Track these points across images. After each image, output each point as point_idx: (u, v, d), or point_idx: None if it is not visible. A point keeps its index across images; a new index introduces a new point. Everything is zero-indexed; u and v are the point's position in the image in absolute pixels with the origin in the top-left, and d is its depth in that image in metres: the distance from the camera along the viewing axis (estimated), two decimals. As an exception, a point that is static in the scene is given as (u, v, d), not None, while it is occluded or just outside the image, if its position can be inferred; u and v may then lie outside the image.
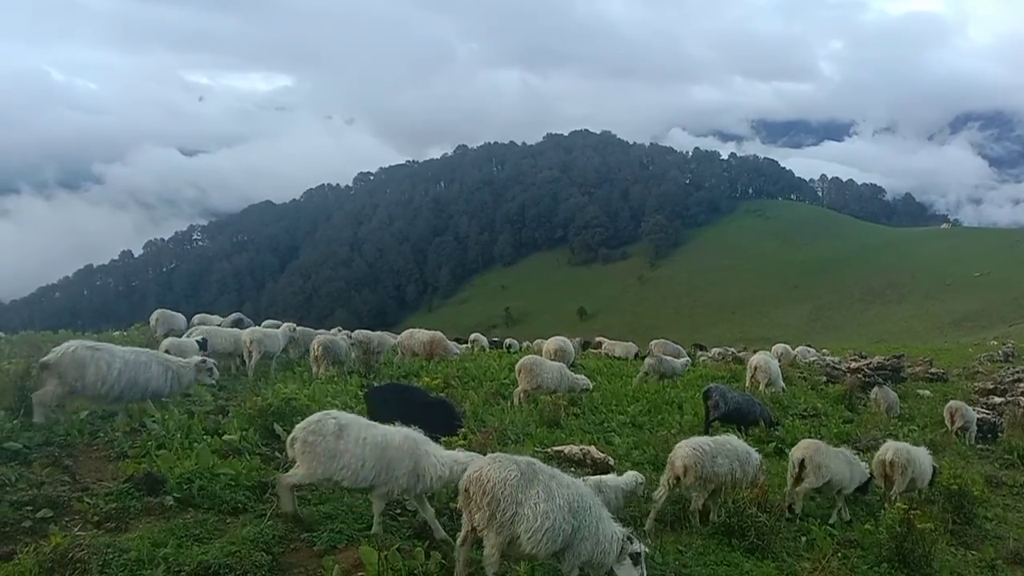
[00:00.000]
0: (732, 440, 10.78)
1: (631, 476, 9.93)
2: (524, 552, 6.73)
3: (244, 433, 10.63)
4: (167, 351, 14.44)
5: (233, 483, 8.71)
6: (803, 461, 11.59)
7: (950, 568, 10.29)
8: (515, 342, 34.30)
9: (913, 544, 9.79)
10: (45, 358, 10.48)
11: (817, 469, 11.48)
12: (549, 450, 12.31)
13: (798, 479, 11.59)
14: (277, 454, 10.38)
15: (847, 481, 11.94)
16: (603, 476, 9.94)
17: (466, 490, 6.81)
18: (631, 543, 7.09)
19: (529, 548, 6.63)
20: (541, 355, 20.64)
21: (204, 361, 12.40)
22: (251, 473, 9.17)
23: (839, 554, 9.76)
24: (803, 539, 10.33)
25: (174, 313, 23.46)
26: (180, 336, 18.32)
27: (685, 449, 10.05)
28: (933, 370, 31.79)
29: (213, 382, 12.81)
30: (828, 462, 11.59)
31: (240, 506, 8.35)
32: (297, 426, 7.93)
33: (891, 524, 10.26)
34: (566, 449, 12.33)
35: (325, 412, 8.14)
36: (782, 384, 22.07)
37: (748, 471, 10.48)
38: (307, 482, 7.85)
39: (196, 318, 25.48)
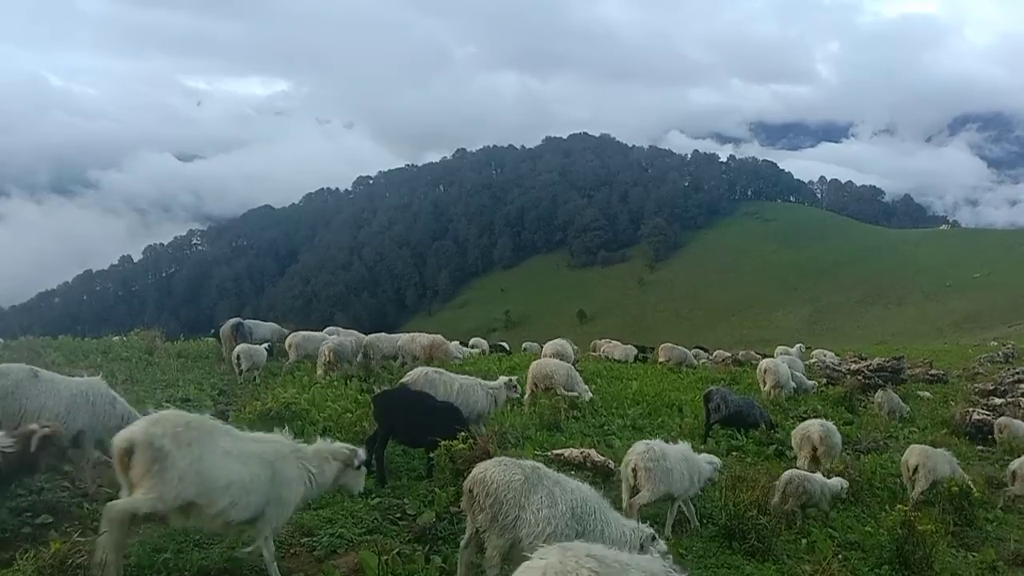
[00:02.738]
0: (687, 450, 10.46)
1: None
2: (526, 556, 6.61)
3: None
4: (239, 356, 17.37)
5: (233, 488, 8.69)
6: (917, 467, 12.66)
7: (951, 570, 10.27)
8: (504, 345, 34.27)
9: (914, 546, 9.78)
10: (404, 379, 12.13)
11: (929, 473, 12.60)
12: (549, 453, 12.29)
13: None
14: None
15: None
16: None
17: (470, 491, 6.74)
18: (654, 542, 6.96)
19: (531, 552, 6.40)
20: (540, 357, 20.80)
21: (510, 380, 13.21)
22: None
23: (840, 556, 9.74)
24: (804, 542, 10.31)
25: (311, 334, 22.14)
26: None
27: (640, 446, 9.96)
28: (933, 371, 31.77)
29: (517, 395, 13.99)
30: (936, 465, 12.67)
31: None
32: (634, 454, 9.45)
33: (892, 526, 10.25)
34: (566, 452, 12.31)
35: (648, 442, 9.72)
36: (793, 385, 22.62)
37: (696, 481, 10.16)
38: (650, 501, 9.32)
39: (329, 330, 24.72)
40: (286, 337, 20.52)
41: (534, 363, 17.57)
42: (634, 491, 9.51)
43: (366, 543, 7.55)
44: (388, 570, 6.78)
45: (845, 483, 9.50)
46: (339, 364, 18.25)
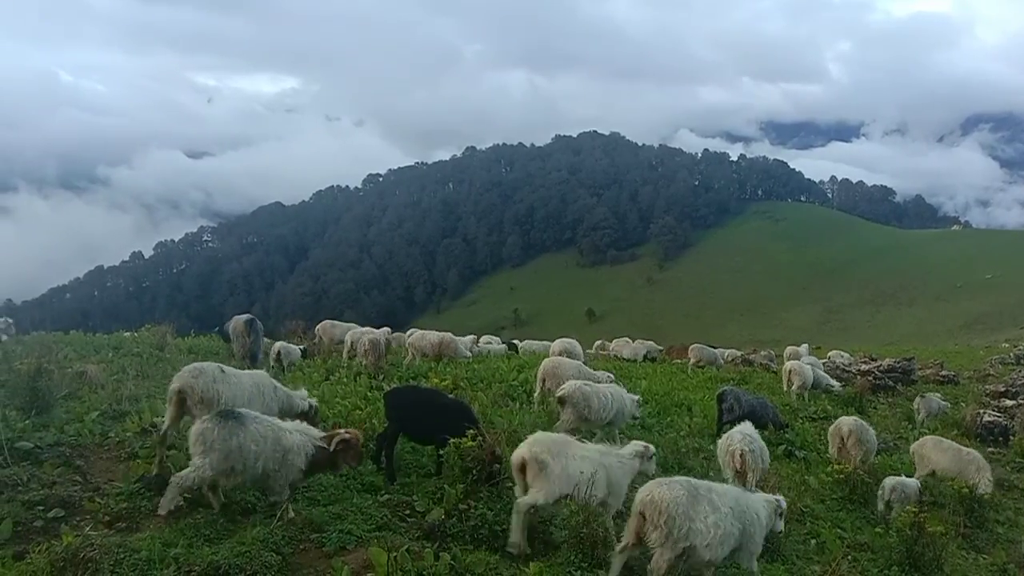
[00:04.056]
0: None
1: None
2: (703, 560, 7.49)
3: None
4: (279, 352, 18.66)
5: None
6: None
7: (961, 572, 10.24)
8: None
9: (923, 548, 9.75)
10: (560, 392, 12.81)
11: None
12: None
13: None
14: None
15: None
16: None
17: (641, 514, 7.52)
18: (780, 504, 8.56)
19: (708, 556, 7.45)
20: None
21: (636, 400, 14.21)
22: (261, 473, 9.19)
23: (849, 557, 9.72)
24: (813, 542, 10.29)
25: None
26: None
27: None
28: (944, 373, 31.60)
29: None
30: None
31: (250, 506, 8.39)
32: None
33: (901, 528, 10.22)
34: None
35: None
36: (824, 383, 23.34)
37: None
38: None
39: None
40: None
41: (545, 360, 17.46)
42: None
43: (375, 540, 7.55)
44: (397, 567, 6.79)
45: (782, 501, 8.78)
46: (373, 356, 18.62)
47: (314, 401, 10.64)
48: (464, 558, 7.42)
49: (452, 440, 9.60)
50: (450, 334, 22.77)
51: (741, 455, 10.99)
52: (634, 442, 9.65)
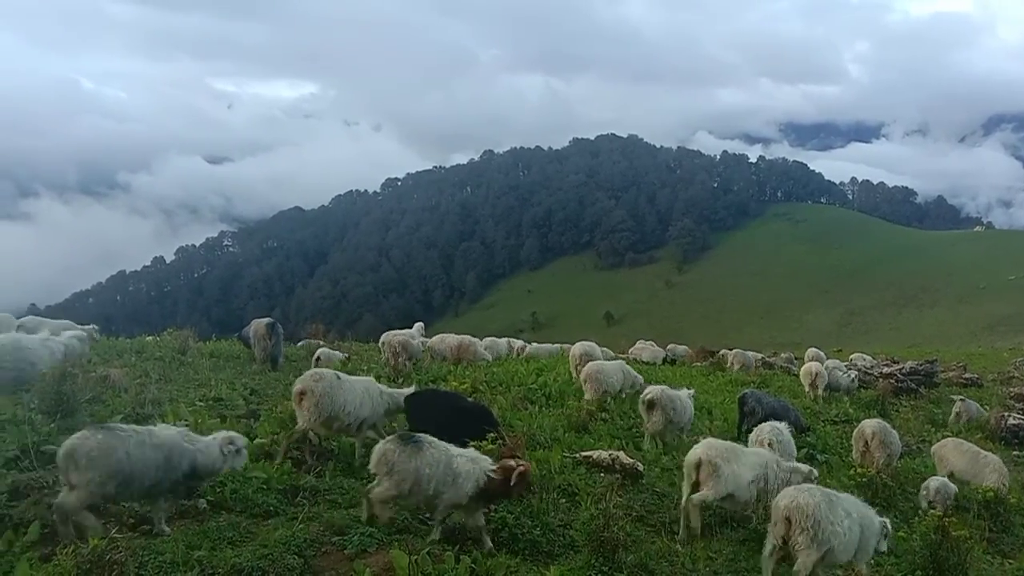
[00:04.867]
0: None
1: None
2: (837, 560, 8.17)
3: (275, 437, 10.74)
4: (318, 358, 18.99)
5: (265, 486, 8.82)
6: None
7: (986, 577, 10.12)
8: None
9: (948, 552, 9.62)
10: (648, 396, 13.94)
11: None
12: (578, 455, 12.28)
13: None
14: (308, 458, 10.48)
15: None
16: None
17: (787, 518, 8.09)
18: (887, 526, 9.02)
19: (843, 557, 8.16)
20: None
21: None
22: (282, 477, 9.28)
23: (871, 561, 9.63)
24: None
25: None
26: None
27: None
28: (967, 375, 31.25)
29: None
30: None
31: (272, 509, 8.45)
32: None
33: (925, 531, 10.10)
34: (595, 454, 12.29)
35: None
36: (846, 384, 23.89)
37: None
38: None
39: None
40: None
41: (589, 364, 17.69)
42: None
43: (396, 542, 7.59)
44: (418, 569, 6.82)
45: (888, 524, 9.55)
46: (405, 355, 19.24)
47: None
48: (484, 561, 7.44)
49: (472, 443, 9.63)
50: (469, 337, 22.80)
51: (769, 445, 11.83)
52: (799, 464, 10.89)
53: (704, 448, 9.84)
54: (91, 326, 20.33)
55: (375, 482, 8.21)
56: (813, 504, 8.01)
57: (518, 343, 29.52)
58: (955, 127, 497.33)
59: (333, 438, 11.16)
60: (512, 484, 8.31)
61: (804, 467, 10.59)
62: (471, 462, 8.39)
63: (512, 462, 8.66)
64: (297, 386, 10.28)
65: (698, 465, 9.63)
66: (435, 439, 8.49)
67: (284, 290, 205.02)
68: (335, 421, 10.34)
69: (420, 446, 8.21)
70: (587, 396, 16.34)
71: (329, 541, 7.69)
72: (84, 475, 7.03)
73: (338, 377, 10.55)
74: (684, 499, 9.77)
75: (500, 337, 28.97)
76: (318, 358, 19.13)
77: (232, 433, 8.13)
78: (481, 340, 26.76)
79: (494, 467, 8.40)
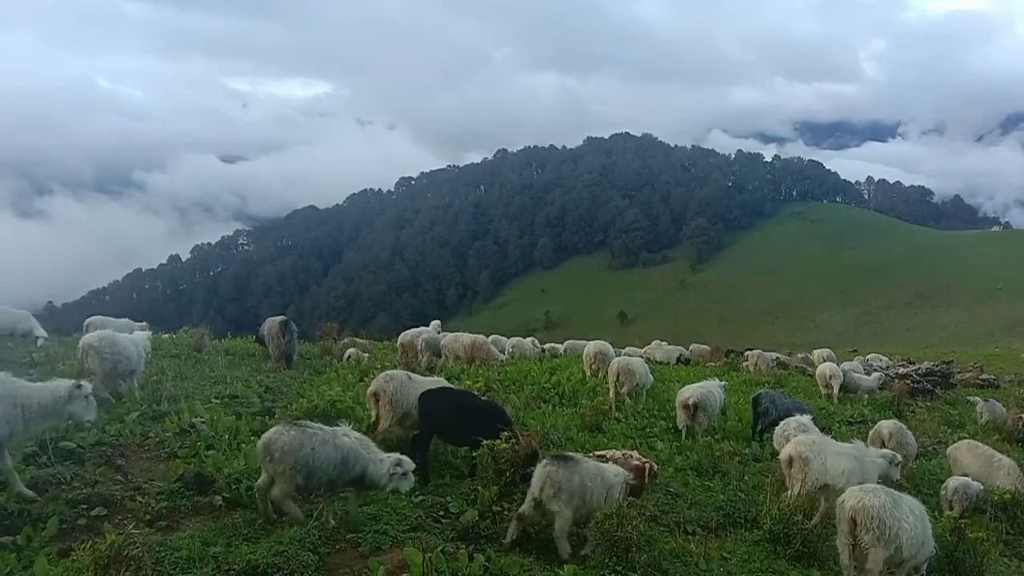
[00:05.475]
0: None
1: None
2: (903, 558, 8.27)
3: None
4: (349, 357, 20.22)
5: (280, 484, 8.84)
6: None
7: (1003, 579, 10.04)
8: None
9: (964, 554, 9.57)
10: (691, 400, 14.67)
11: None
12: (591, 454, 12.26)
13: None
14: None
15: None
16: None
17: (852, 519, 8.29)
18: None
19: (908, 553, 8.26)
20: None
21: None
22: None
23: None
24: (851, 547, 10.15)
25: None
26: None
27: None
28: (984, 376, 31.02)
29: None
30: None
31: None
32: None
33: (942, 533, 10.04)
34: (608, 453, 12.25)
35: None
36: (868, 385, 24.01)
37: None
38: None
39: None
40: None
41: (618, 358, 18.33)
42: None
43: (410, 540, 7.61)
44: (432, 567, 6.83)
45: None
46: (430, 351, 20.44)
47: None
48: (498, 559, 7.45)
49: (486, 442, 9.64)
50: (483, 336, 22.83)
51: (890, 435, 13.05)
52: (885, 449, 11.65)
53: (793, 445, 10.54)
54: (143, 323, 20.93)
55: (555, 512, 8.33)
56: (878, 504, 8.17)
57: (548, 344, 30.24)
58: (972, 126, 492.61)
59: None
60: (644, 483, 9.25)
61: (888, 452, 11.18)
62: (617, 472, 9.12)
63: (636, 462, 9.59)
64: (370, 388, 10.98)
65: (790, 462, 10.27)
66: (584, 456, 9.14)
67: (298, 288, 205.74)
68: (408, 418, 10.90)
69: (577, 463, 8.64)
70: (622, 391, 16.92)
71: (343, 538, 7.72)
72: (277, 466, 7.74)
73: (409, 377, 11.18)
74: (792, 496, 10.26)
75: (510, 337, 28.97)
76: (349, 357, 20.15)
77: (404, 457, 8.31)
78: (508, 339, 27.20)
79: (629, 472, 9.20)
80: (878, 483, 9.45)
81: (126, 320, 20.49)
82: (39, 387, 8.24)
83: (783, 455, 10.60)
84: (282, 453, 7.69)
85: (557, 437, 13.02)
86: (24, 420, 7.96)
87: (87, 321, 19.05)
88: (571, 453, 9.05)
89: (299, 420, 8.26)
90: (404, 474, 8.17)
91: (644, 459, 9.76)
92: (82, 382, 8.52)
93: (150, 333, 17.37)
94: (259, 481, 7.98)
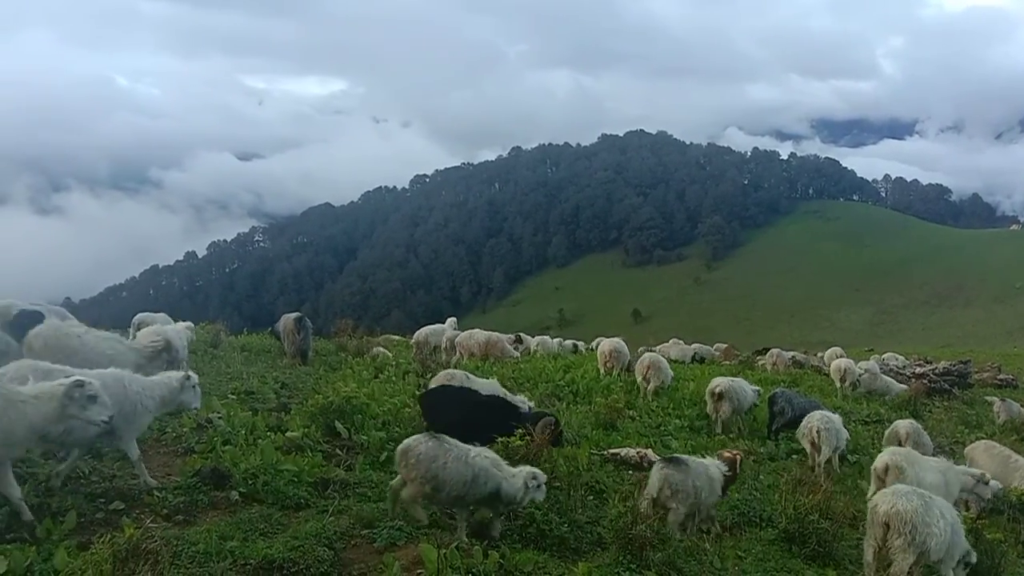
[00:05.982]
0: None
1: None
2: (932, 560, 8.37)
3: (306, 430, 10.86)
4: (375, 357, 20.38)
5: (296, 479, 8.92)
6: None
7: (1021, 580, 9.96)
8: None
9: (981, 555, 9.50)
10: (718, 389, 15.57)
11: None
12: (606, 452, 12.28)
13: None
14: (338, 451, 10.59)
15: None
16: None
17: (885, 524, 8.34)
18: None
19: (936, 557, 8.33)
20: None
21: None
22: (313, 469, 9.37)
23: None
24: (866, 547, 10.11)
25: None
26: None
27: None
28: (1001, 376, 30.73)
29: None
30: None
31: (303, 501, 8.55)
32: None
33: (959, 534, 9.98)
34: (623, 452, 12.29)
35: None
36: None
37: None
38: None
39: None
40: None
41: (647, 354, 19.34)
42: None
43: (425, 536, 7.64)
44: (447, 563, 6.85)
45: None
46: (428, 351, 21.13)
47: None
48: (512, 556, 7.45)
49: (500, 438, 9.66)
50: (497, 334, 22.85)
51: (816, 432, 13.02)
52: (972, 469, 12.09)
53: (889, 454, 11.06)
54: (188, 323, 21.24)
55: (671, 509, 9.12)
56: (911, 509, 8.25)
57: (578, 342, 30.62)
58: (991, 124, 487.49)
59: (365, 432, 11.27)
60: (737, 472, 10.04)
61: (977, 472, 11.66)
62: (717, 468, 9.71)
63: (728, 454, 10.22)
64: (431, 385, 11.85)
65: (886, 469, 10.63)
66: (691, 457, 9.73)
67: (314, 285, 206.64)
68: None
69: (688, 464, 9.33)
70: (648, 388, 17.78)
71: (359, 534, 7.75)
72: (410, 472, 8.07)
73: (468, 377, 11.91)
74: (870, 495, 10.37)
75: (523, 334, 28.97)
76: (375, 356, 20.43)
77: (536, 470, 8.49)
78: (532, 337, 27.35)
79: (724, 465, 9.84)
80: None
81: (163, 315, 20.64)
82: (156, 380, 8.85)
83: (878, 463, 10.92)
84: (417, 460, 8.02)
85: (571, 435, 13.01)
86: (149, 412, 8.65)
87: (136, 319, 19.24)
88: (681, 455, 9.75)
89: (438, 435, 8.47)
90: (539, 486, 8.34)
91: (733, 451, 10.40)
92: (190, 372, 9.22)
93: (193, 326, 18.35)
94: (394, 481, 8.42)
